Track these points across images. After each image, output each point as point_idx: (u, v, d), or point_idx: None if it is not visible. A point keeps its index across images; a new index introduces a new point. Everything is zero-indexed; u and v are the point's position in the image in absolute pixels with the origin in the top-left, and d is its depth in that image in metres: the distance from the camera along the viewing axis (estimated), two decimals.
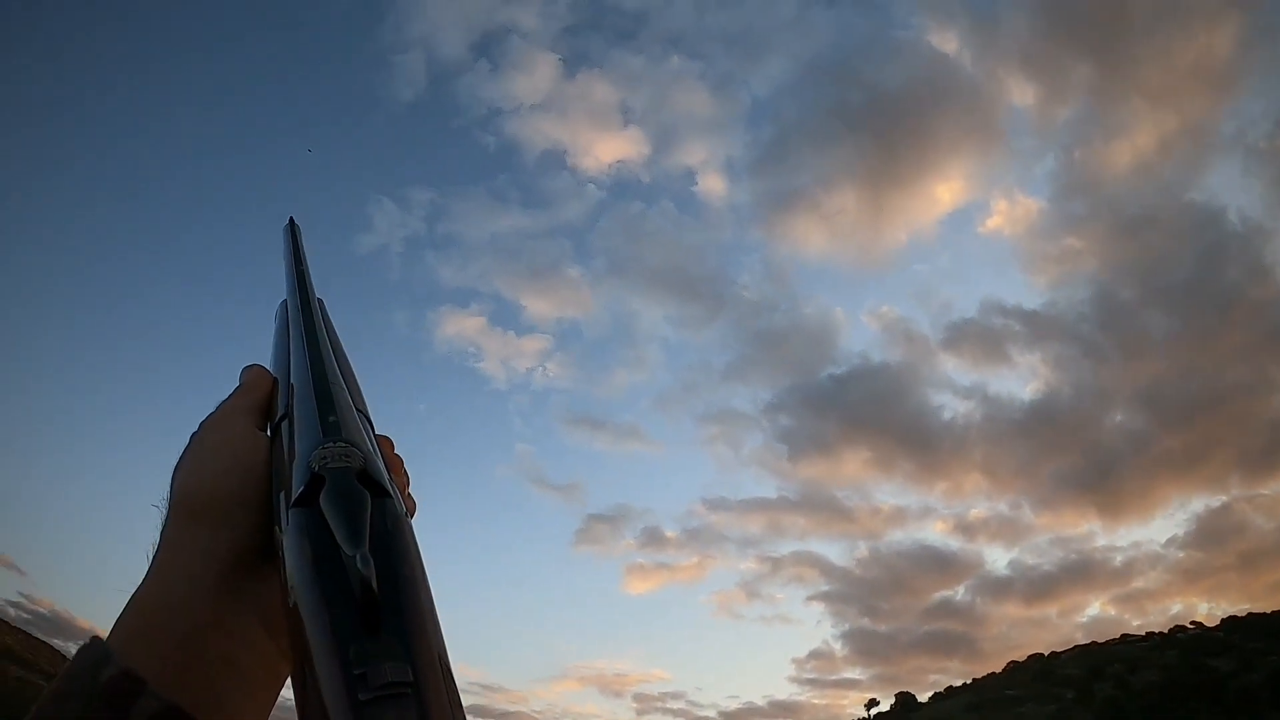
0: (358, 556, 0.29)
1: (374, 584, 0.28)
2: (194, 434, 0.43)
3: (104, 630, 0.36)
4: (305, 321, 0.49)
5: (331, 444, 0.35)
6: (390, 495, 0.33)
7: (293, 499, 0.33)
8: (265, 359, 0.49)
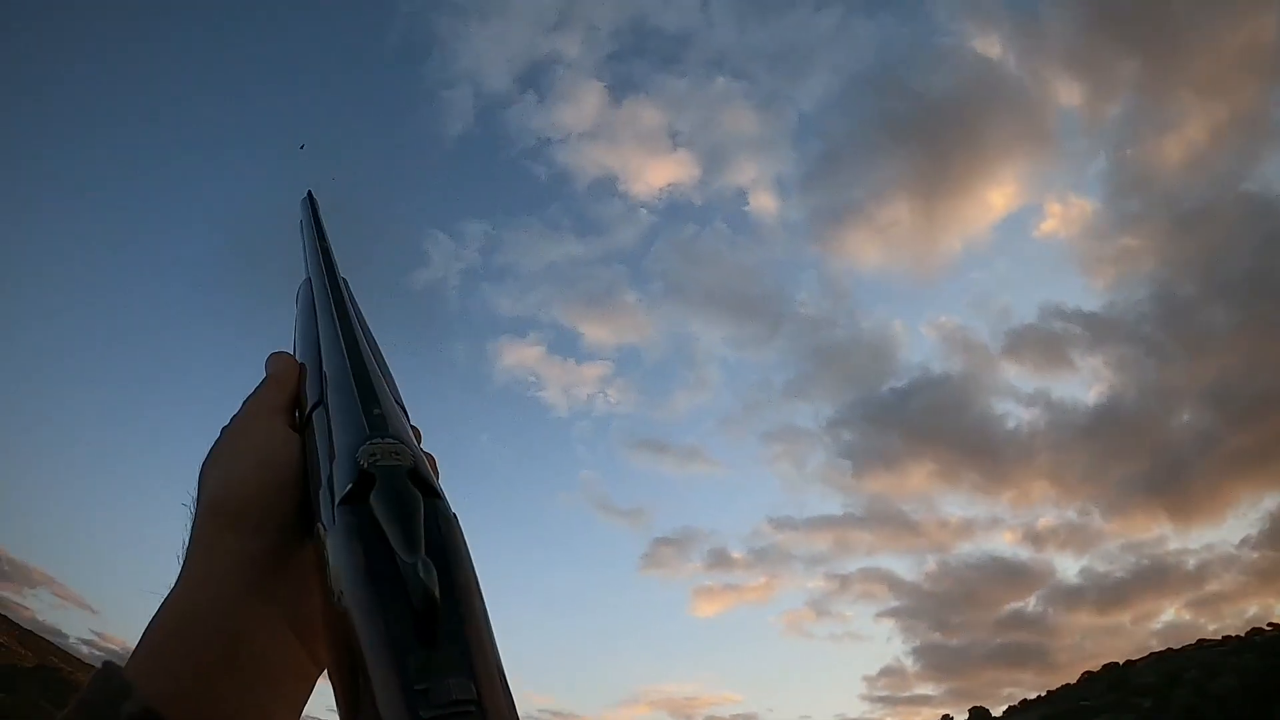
0: (418, 563, 0.28)
1: (435, 592, 0.27)
2: (224, 429, 0.41)
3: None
4: (335, 302, 0.46)
5: (380, 440, 0.33)
6: (441, 496, 0.32)
7: (339, 497, 0.31)
8: (285, 344, 0.46)
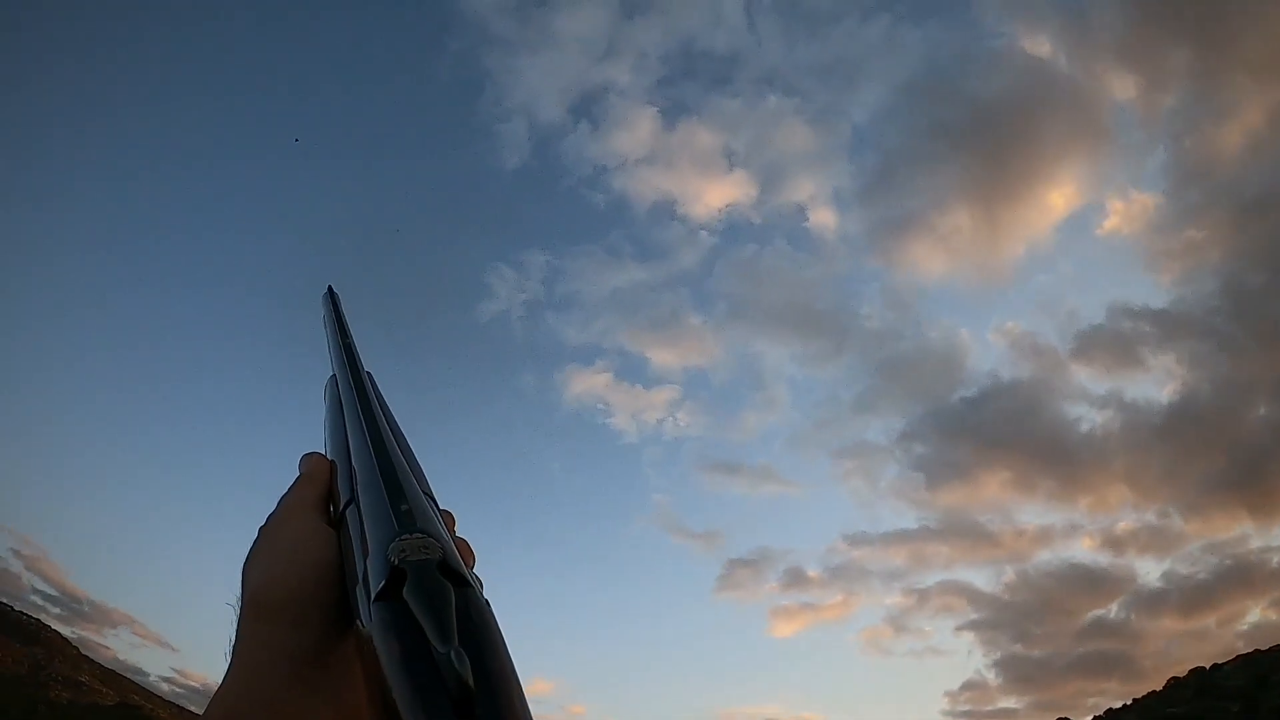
0: (451, 653, 0.29)
1: (470, 681, 0.28)
2: (261, 529, 0.44)
3: None
4: (360, 399, 0.48)
5: (409, 535, 0.35)
6: (471, 585, 0.33)
7: (374, 594, 0.33)
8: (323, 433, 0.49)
